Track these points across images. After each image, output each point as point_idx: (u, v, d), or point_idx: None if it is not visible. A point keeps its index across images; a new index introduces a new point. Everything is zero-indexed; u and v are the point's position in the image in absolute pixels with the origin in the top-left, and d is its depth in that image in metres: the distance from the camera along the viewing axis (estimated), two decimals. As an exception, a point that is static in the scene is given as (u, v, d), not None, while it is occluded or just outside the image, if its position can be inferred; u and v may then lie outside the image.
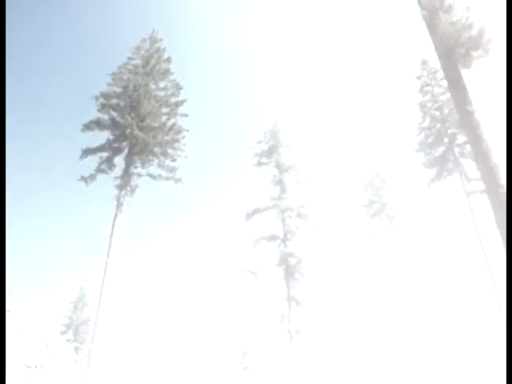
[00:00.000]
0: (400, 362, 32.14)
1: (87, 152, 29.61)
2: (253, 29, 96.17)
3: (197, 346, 58.22)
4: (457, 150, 33.13)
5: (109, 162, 29.77)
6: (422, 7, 15.07)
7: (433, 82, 35.79)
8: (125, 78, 31.96)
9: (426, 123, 35.36)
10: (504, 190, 12.07)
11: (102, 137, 30.33)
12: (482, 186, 12.79)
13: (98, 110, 30.40)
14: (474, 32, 14.22)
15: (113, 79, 31.62)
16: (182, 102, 32.59)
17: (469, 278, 33.08)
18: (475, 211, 30.32)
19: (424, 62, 36.42)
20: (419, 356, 32.19)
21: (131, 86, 31.25)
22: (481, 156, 12.95)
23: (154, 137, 30.44)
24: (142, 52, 33.46)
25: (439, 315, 34.45)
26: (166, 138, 31.07)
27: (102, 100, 30.48)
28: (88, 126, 30.01)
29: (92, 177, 29.18)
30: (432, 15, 14.64)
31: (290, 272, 32.01)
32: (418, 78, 36.71)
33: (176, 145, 31.53)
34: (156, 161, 30.80)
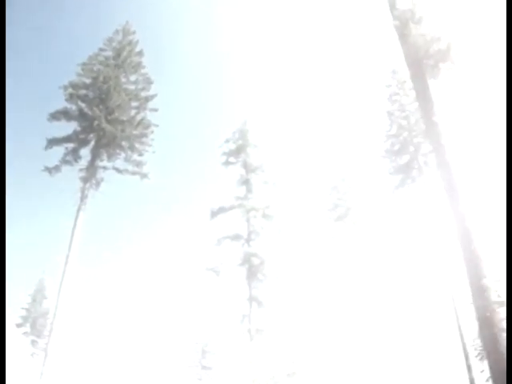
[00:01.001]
0: (362, 361, 32.60)
1: (53, 142, 29.11)
2: (227, 29, 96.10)
3: (156, 344, 57.85)
4: (421, 158, 33.76)
5: (74, 154, 29.32)
6: (395, 17, 15.34)
7: (401, 92, 36.39)
8: (95, 69, 31.48)
9: (393, 131, 35.92)
10: (464, 200, 12.40)
11: (70, 127, 29.96)
12: (444, 194, 13.07)
13: (66, 100, 29.91)
14: (442, 45, 14.54)
15: (82, 69, 31.10)
16: (152, 97, 32.33)
17: (429, 280, 33.72)
18: (437, 218, 30.99)
19: (394, 72, 37.02)
20: (380, 356, 32.71)
21: (101, 78, 30.77)
22: (444, 166, 13.26)
23: (122, 130, 30.12)
24: (114, 44, 33.03)
25: (399, 316, 35.10)
26: (134, 132, 30.78)
27: (70, 90, 29.96)
28: (54, 116, 29.50)
29: (57, 168, 28.71)
30: (403, 26, 14.92)
31: (252, 272, 32.09)
32: (388, 86, 37.30)
33: (144, 139, 31.25)
34: (123, 155, 30.50)
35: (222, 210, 34.33)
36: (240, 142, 37.39)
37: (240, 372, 27.04)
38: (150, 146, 31.36)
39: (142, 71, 32.88)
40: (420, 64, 14.88)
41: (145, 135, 31.27)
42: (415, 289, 35.44)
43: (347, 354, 33.15)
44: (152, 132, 31.59)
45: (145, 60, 33.36)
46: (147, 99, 32.13)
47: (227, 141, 37.67)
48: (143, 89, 32.41)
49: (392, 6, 15.77)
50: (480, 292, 11.26)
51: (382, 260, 37.35)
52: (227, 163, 36.71)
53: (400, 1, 15.52)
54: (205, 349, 57.68)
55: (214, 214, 34.24)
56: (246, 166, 36.42)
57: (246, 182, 35.71)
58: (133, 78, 32.62)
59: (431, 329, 33.50)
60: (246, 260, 32.38)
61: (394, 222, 37.82)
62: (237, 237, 33.60)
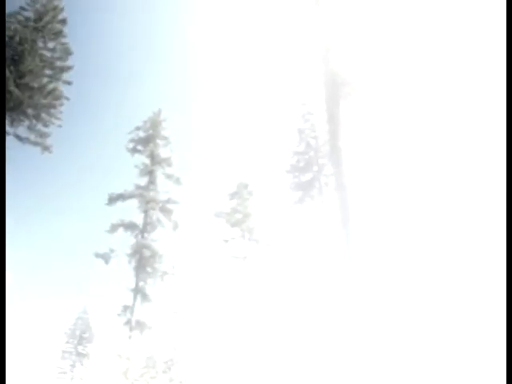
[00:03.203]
0: (246, 362, 33.07)
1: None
2: (156, 18, 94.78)
3: (32, 328, 55.53)
4: (323, 179, 35.20)
5: (-26, 112, 27.56)
6: (320, 40, 16.00)
7: (315, 112, 37.78)
8: (12, 27, 29.73)
9: (301, 148, 37.16)
10: (353, 224, 13.20)
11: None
12: (337, 216, 13.83)
13: (-26, 54, 28.07)
14: (359, 73, 15.43)
15: (-2, 25, 29.32)
16: (68, 68, 31.12)
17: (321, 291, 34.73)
18: (332, 237, 32.10)
19: (311, 92, 38.36)
20: (265, 356, 33.32)
21: (17, 38, 29.13)
22: (339, 189, 14.03)
23: (30, 97, 28.79)
24: (38, 6, 31.38)
25: (286, 323, 35.99)
26: (42, 101, 29.52)
27: (-20, 44, 28.16)
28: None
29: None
30: (327, 50, 15.62)
31: (142, 264, 31.78)
32: (303, 104, 38.58)
33: (52, 111, 30.06)
34: (27, 122, 29.11)
35: (120, 196, 33.74)
36: (150, 131, 36.94)
37: (113, 363, 26.68)
38: (58, 118, 30.24)
39: (62, 40, 31.48)
40: (336, 89, 15.62)
41: (53, 106, 30.05)
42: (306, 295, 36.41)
43: (234, 352, 33.58)
44: (62, 105, 30.46)
45: (67, 30, 32.06)
46: (62, 70, 30.87)
47: (137, 128, 37.04)
48: (60, 58, 31.06)
49: (320, 29, 16.44)
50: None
51: (273, 267, 38.23)
52: (134, 150, 36.10)
53: (327, 26, 16.25)
54: (83, 336, 56.19)
55: (112, 199, 33.58)
56: (152, 156, 36.01)
57: (149, 172, 35.33)
58: (51, 45, 31.14)
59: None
60: (138, 251, 32.00)
61: (289, 235, 38.87)
62: (131, 226, 33.13)
